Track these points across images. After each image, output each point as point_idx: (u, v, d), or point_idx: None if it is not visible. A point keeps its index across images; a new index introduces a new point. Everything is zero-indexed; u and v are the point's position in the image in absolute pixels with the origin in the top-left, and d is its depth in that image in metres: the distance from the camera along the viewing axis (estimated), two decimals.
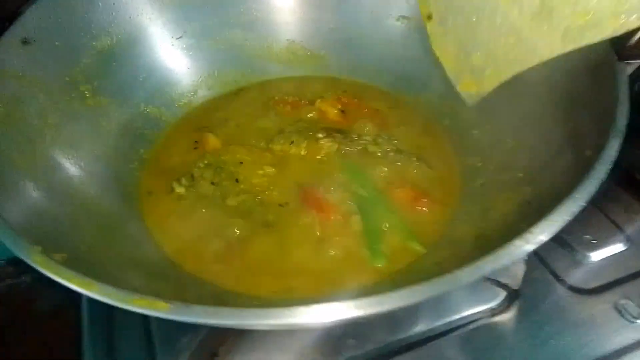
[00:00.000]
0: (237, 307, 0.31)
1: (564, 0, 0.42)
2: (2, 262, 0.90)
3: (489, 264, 0.34)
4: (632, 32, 0.49)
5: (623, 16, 0.40)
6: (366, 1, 0.76)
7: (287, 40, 0.79)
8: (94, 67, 0.65)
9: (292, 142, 0.66)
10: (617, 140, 0.41)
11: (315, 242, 0.57)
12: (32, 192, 0.50)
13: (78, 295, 0.39)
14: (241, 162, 0.63)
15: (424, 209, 0.59)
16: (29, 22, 0.58)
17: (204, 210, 0.59)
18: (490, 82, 0.51)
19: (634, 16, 0.39)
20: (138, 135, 0.68)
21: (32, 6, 0.59)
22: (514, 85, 0.60)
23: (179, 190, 0.61)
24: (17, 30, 0.57)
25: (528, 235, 0.36)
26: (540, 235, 0.36)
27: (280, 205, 0.60)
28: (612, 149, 0.41)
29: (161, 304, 0.32)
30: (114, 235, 0.54)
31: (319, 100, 0.72)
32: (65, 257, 0.40)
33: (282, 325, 0.34)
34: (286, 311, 0.32)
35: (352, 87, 0.76)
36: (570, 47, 0.43)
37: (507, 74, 0.50)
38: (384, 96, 0.74)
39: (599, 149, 0.42)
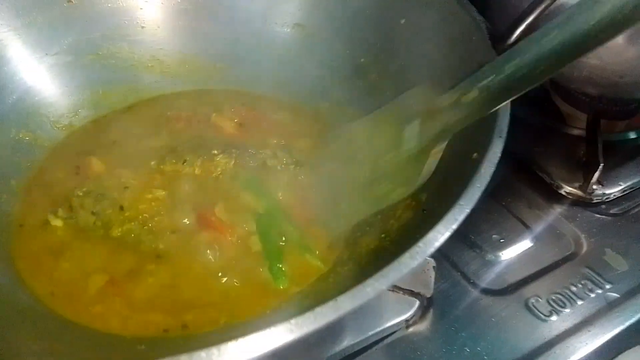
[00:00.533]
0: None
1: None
2: None
3: (377, 282, 0.31)
4: (511, 30, 0.49)
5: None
6: (258, 10, 0.72)
7: (180, 52, 0.74)
8: None
9: (184, 161, 0.61)
10: (500, 142, 0.40)
11: (211, 270, 0.52)
12: None
13: None
14: (126, 187, 0.58)
15: None
16: None
17: (83, 244, 0.53)
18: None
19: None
20: (8, 165, 0.60)
21: None
22: (408, 88, 0.59)
23: (55, 222, 0.55)
24: None
25: (415, 250, 0.33)
26: (426, 248, 0.33)
27: (171, 232, 0.55)
28: (496, 150, 0.39)
29: None
30: None
31: (214, 114, 0.68)
32: None
33: None
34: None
35: (251, 99, 0.72)
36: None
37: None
38: (284, 107, 0.70)
39: (484, 150, 0.40)
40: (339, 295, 0.31)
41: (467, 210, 0.35)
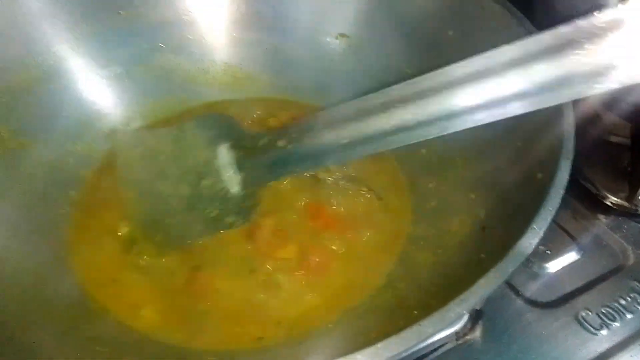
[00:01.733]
0: None
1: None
2: None
3: (453, 311, 0.32)
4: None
5: None
6: (302, 18, 0.73)
7: (224, 62, 0.75)
8: (10, 105, 0.59)
9: None
10: (568, 163, 0.40)
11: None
12: None
13: None
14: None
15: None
16: None
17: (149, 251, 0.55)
18: None
19: None
20: (66, 176, 0.62)
21: None
22: None
23: (122, 231, 0.57)
24: None
25: (490, 275, 0.33)
26: (504, 270, 0.34)
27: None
28: (564, 173, 0.40)
29: None
30: (44, 296, 0.48)
31: (271, 119, 0.69)
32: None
33: None
34: None
35: (296, 108, 0.72)
36: None
37: None
38: None
39: (551, 172, 0.41)
40: (422, 320, 0.31)
41: (541, 234, 0.35)
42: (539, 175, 0.42)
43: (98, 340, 0.47)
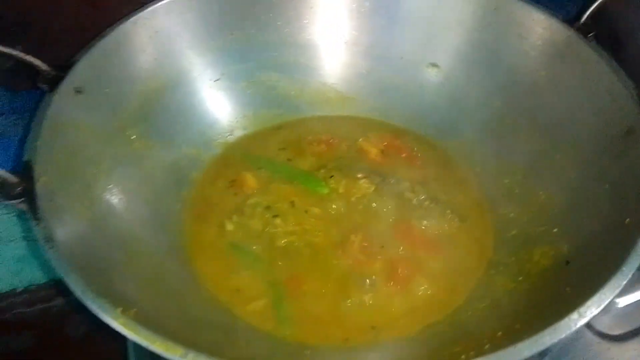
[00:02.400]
0: None
1: None
2: (33, 286, 0.92)
3: (548, 337, 0.36)
4: None
5: None
6: (397, 48, 0.78)
7: (320, 82, 0.81)
8: (140, 111, 0.67)
9: (331, 176, 0.68)
10: None
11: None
12: (92, 240, 0.52)
13: None
14: (292, 202, 0.66)
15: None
16: (81, 71, 0.60)
17: (254, 249, 0.62)
18: None
19: None
20: (179, 176, 0.70)
21: (85, 56, 0.61)
22: (547, 135, 0.64)
23: (229, 227, 0.64)
24: (71, 80, 0.59)
25: (582, 309, 0.38)
26: (593, 308, 0.38)
27: (326, 249, 0.62)
28: None
29: None
30: (164, 282, 0.56)
31: (361, 139, 0.74)
32: (135, 313, 0.42)
33: None
34: None
35: (384, 129, 0.78)
36: None
37: None
38: (416, 140, 0.76)
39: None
40: (518, 343, 0.36)
41: (629, 277, 0.39)
42: (627, 221, 0.45)
43: (208, 324, 0.54)
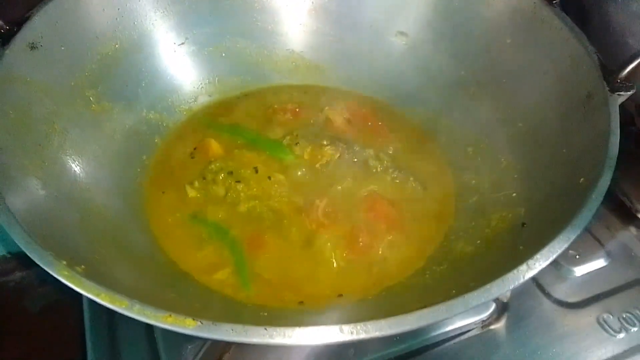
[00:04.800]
0: (262, 325, 0.33)
1: None
2: None
3: (496, 288, 0.36)
4: (623, 66, 0.52)
5: None
6: (366, 16, 0.77)
7: (287, 50, 0.80)
8: (99, 71, 0.66)
9: (297, 144, 0.67)
10: (610, 171, 0.44)
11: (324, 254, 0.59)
12: (43, 199, 0.50)
13: (70, 295, 0.40)
14: (255, 167, 0.65)
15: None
16: (36, 27, 0.58)
17: (214, 215, 0.61)
18: None
19: None
20: (140, 141, 0.69)
21: (40, 11, 0.59)
22: (510, 103, 0.64)
23: (191, 193, 0.63)
24: (25, 35, 0.57)
25: (530, 262, 0.38)
26: (541, 261, 0.38)
27: (289, 214, 0.62)
28: (606, 179, 0.44)
29: (190, 321, 0.33)
30: (121, 244, 0.55)
31: (327, 107, 0.74)
32: (84, 269, 0.41)
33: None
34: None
35: (351, 98, 0.77)
36: None
37: None
38: (382, 109, 0.75)
39: (593, 178, 0.45)
40: (467, 294, 0.36)
41: (579, 231, 0.40)
42: (581, 180, 0.46)
43: (164, 286, 0.53)
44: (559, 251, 0.39)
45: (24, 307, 0.92)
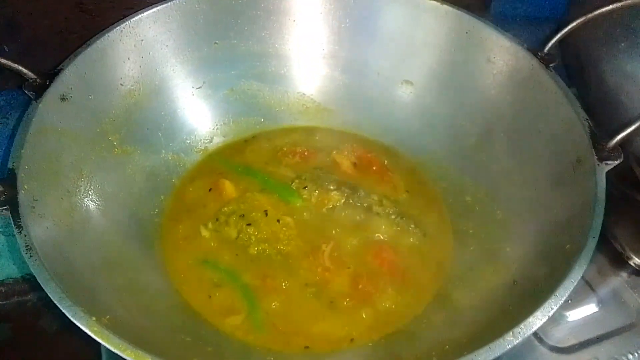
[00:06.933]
0: None
1: None
2: (10, 280, 0.95)
3: (482, 356, 0.40)
4: (612, 135, 0.56)
5: None
6: (373, 63, 0.81)
7: (298, 92, 0.84)
8: (122, 117, 0.70)
9: (305, 187, 0.71)
10: (594, 241, 0.48)
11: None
12: (71, 248, 0.54)
13: None
14: (265, 210, 0.69)
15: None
16: (67, 79, 0.63)
17: (226, 257, 0.65)
18: None
19: None
20: (159, 182, 0.73)
21: (70, 65, 0.63)
22: (507, 157, 0.68)
23: (205, 234, 0.67)
24: (57, 88, 0.61)
25: (516, 330, 0.42)
26: (526, 330, 0.42)
27: (297, 258, 0.66)
28: (589, 250, 0.47)
29: None
30: (138, 286, 0.59)
31: (335, 151, 0.78)
32: (109, 320, 0.45)
33: None
34: None
35: (357, 142, 0.81)
36: None
37: None
38: (387, 154, 0.79)
39: (577, 247, 0.48)
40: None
41: (562, 301, 0.44)
42: (567, 247, 0.50)
43: (179, 329, 0.57)
44: (543, 320, 0.43)
45: (41, 327, 0.96)
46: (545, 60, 0.66)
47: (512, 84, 0.70)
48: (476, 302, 0.58)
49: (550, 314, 0.43)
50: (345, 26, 0.80)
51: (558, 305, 0.44)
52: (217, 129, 0.81)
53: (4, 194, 0.50)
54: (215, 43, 0.78)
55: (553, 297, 0.44)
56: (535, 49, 0.67)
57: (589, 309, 0.74)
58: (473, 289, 0.60)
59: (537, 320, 0.43)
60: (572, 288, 0.45)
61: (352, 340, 0.59)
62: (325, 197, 0.71)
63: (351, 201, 0.71)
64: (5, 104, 0.76)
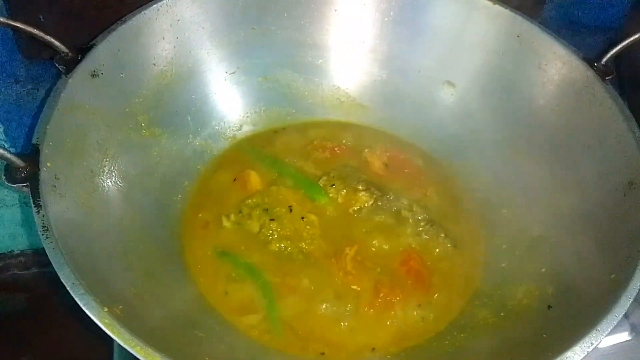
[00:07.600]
0: None
1: None
2: (29, 251, 0.95)
3: None
4: None
5: None
6: (415, 61, 0.78)
7: (334, 85, 0.81)
8: (152, 97, 0.68)
9: (332, 185, 0.69)
10: None
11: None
12: (90, 231, 0.53)
13: None
14: (290, 206, 0.66)
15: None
16: (99, 55, 0.61)
17: (245, 252, 0.63)
18: None
19: None
20: (184, 167, 0.71)
21: (104, 40, 0.62)
22: (551, 171, 0.64)
23: (226, 224, 0.65)
24: (88, 64, 0.60)
25: None
26: None
27: (318, 258, 0.63)
28: (637, 282, 0.43)
29: None
30: (155, 275, 0.57)
31: (367, 150, 0.75)
32: (122, 310, 0.43)
33: None
34: None
35: (391, 142, 0.78)
36: None
37: None
38: (421, 156, 0.76)
39: (625, 277, 0.45)
40: None
41: (603, 337, 0.40)
42: (612, 276, 0.46)
43: (192, 323, 0.55)
44: (581, 356, 0.39)
45: (56, 300, 0.97)
46: (601, 72, 0.62)
47: (562, 94, 0.65)
48: (505, 323, 0.54)
49: (590, 349, 0.40)
50: (388, 19, 0.76)
51: (599, 342, 0.40)
52: (247, 117, 0.79)
53: (26, 170, 0.49)
54: (253, 28, 0.75)
55: (595, 331, 0.40)
56: (591, 60, 0.63)
57: (621, 337, 0.69)
58: (502, 309, 0.56)
59: (575, 356, 0.39)
60: (615, 323, 0.41)
61: (373, 349, 0.56)
62: (353, 197, 0.69)
63: (379, 204, 0.68)
64: (38, 74, 0.75)
